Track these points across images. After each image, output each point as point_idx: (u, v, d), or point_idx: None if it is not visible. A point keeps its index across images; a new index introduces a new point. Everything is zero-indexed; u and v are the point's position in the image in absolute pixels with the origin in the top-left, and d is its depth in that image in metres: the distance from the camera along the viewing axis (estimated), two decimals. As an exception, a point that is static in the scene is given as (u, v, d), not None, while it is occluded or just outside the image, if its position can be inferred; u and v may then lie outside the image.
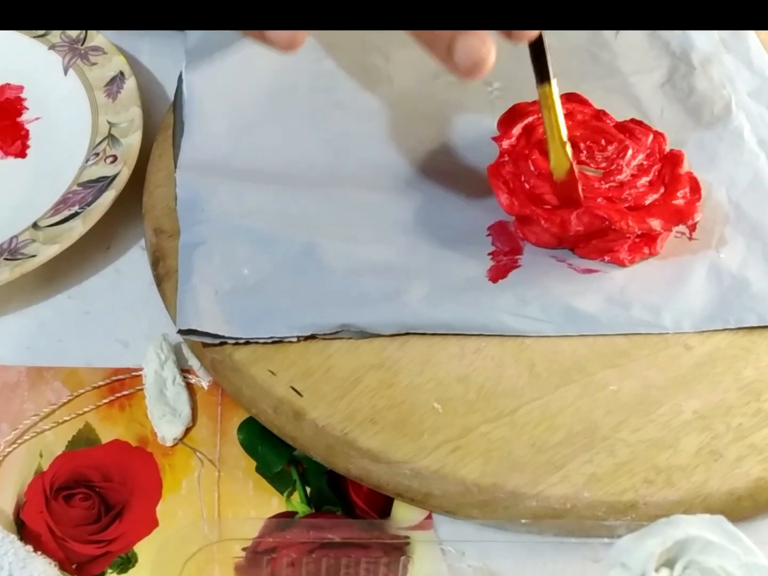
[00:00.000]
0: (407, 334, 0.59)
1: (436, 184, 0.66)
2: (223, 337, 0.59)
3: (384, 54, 0.74)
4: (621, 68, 0.74)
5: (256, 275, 0.61)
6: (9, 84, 0.77)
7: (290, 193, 0.66)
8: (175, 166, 0.67)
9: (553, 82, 0.60)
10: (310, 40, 0.74)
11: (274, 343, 0.59)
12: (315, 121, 0.70)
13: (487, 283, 0.61)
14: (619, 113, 0.67)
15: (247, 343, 0.59)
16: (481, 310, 0.60)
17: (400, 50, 0.75)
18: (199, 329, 0.58)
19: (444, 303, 0.60)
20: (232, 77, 0.72)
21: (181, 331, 0.59)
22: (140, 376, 0.62)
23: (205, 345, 0.59)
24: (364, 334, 0.59)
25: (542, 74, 0.60)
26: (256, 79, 0.73)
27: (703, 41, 0.75)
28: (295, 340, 0.59)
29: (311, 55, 0.74)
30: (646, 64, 0.74)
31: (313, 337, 0.59)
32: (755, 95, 0.72)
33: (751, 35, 0.76)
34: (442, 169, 0.67)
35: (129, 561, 0.56)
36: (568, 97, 0.67)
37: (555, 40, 0.75)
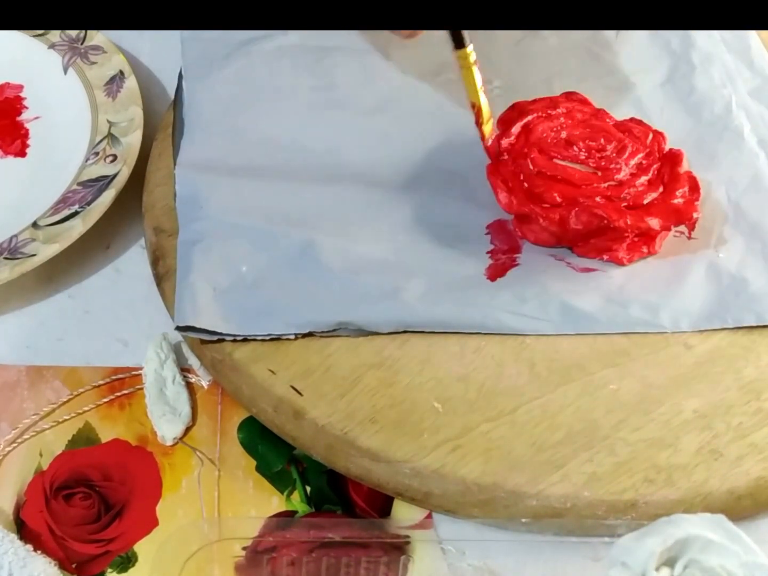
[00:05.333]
0: (406, 332, 0.59)
1: (435, 182, 0.66)
2: (220, 334, 0.59)
3: (383, 52, 0.74)
4: (621, 67, 0.74)
5: (254, 273, 0.61)
6: (9, 83, 0.77)
7: (289, 191, 0.66)
8: (175, 164, 0.67)
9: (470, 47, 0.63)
10: (310, 38, 0.75)
11: (272, 340, 0.59)
12: (314, 119, 0.70)
13: (485, 282, 0.61)
14: (619, 112, 0.67)
15: (245, 340, 0.59)
16: (479, 308, 0.60)
17: (399, 49, 0.75)
18: (197, 326, 0.58)
19: (442, 301, 0.60)
20: (232, 75, 0.72)
21: (179, 328, 0.59)
22: (140, 375, 0.62)
23: (203, 342, 0.59)
24: (362, 332, 0.59)
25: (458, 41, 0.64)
26: (256, 77, 0.73)
27: (704, 41, 0.75)
28: (293, 337, 0.59)
29: (311, 53, 0.74)
30: (646, 64, 0.74)
31: (311, 334, 0.59)
32: (756, 95, 0.72)
33: (752, 35, 0.75)
34: (441, 168, 0.67)
35: (129, 560, 0.56)
36: (568, 96, 0.67)
37: (556, 39, 0.75)
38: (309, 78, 0.73)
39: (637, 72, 0.74)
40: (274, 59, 0.74)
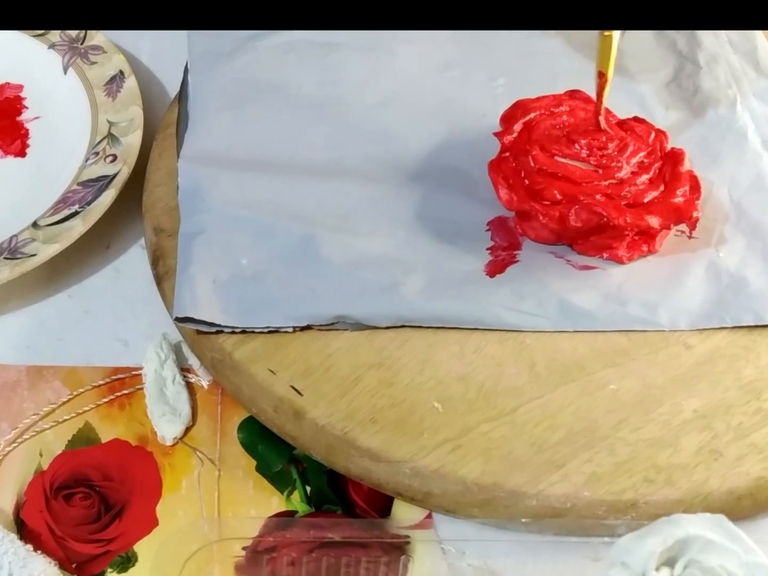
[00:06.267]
0: (407, 332, 0.59)
1: (437, 178, 0.66)
2: (219, 325, 0.59)
3: (389, 49, 0.74)
4: (627, 66, 0.74)
5: (254, 265, 0.61)
6: (9, 83, 0.77)
7: (291, 185, 0.66)
8: (178, 156, 0.67)
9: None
10: (316, 34, 0.75)
11: (272, 339, 0.59)
12: (318, 114, 0.70)
13: (484, 278, 0.61)
14: (623, 111, 0.66)
15: (245, 340, 0.59)
16: (478, 304, 0.59)
17: (405, 45, 0.75)
18: (196, 317, 0.58)
19: (441, 297, 0.60)
20: (238, 69, 0.73)
21: (177, 319, 0.59)
22: (140, 375, 0.62)
23: (198, 332, 0.59)
24: (360, 326, 0.59)
25: None
26: (262, 71, 0.73)
27: (711, 41, 0.75)
28: (290, 330, 0.59)
29: (317, 49, 0.74)
30: (652, 63, 0.74)
31: (309, 328, 0.59)
32: (761, 96, 0.71)
33: (759, 36, 0.75)
34: (443, 164, 0.67)
35: (129, 560, 0.56)
36: (572, 94, 0.66)
37: (561, 37, 0.75)
38: (314, 73, 0.73)
39: (643, 71, 0.74)
40: (280, 54, 0.74)
